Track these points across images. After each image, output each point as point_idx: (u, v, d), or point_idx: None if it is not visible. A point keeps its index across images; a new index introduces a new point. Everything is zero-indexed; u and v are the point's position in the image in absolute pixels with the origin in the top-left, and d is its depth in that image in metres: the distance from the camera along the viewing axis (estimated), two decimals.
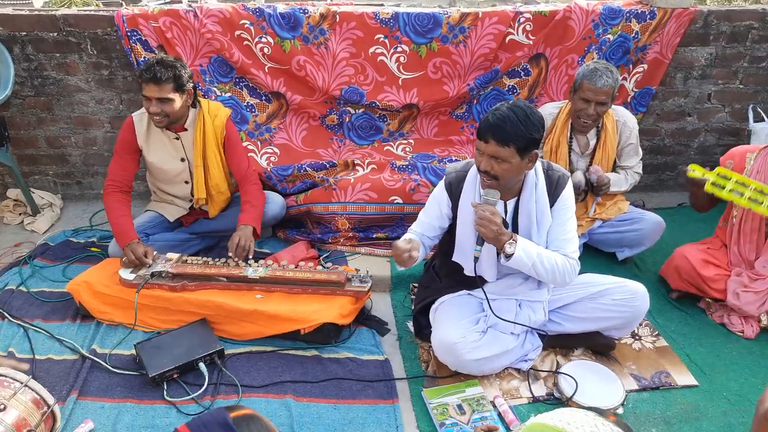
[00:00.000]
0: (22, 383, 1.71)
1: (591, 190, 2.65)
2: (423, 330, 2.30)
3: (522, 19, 2.98)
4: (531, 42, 3.02)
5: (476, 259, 1.96)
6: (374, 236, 2.87)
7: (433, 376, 2.15)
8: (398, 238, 2.80)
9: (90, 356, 2.18)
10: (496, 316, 2.06)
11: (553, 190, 2.01)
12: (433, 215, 2.13)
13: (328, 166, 2.95)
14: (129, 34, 2.87)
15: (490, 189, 1.90)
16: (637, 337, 2.36)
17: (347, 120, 3.19)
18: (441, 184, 2.13)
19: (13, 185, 3.28)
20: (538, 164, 1.99)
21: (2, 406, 1.61)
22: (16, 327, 2.35)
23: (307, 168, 2.94)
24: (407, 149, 3.18)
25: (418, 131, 3.25)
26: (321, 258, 2.75)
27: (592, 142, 2.66)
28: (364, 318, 2.44)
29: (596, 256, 2.83)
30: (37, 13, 2.95)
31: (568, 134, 2.63)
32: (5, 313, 2.39)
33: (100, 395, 2.04)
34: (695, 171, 2.33)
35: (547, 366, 2.19)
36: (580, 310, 2.16)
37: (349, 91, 3.07)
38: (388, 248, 2.82)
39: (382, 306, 2.55)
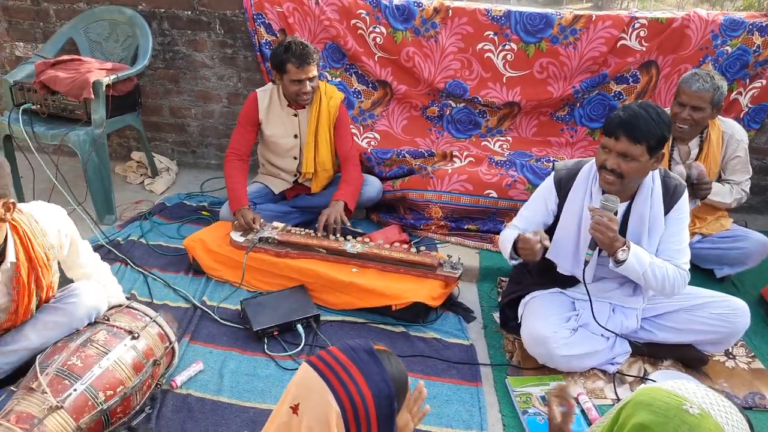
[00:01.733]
0: (151, 318, 1.93)
1: (691, 188, 2.49)
2: (509, 322, 2.35)
3: (636, 25, 2.94)
4: (643, 48, 2.98)
5: (586, 263, 1.97)
6: (465, 227, 2.94)
7: (517, 366, 2.19)
8: (489, 231, 2.91)
9: (201, 306, 2.40)
10: (595, 320, 2.06)
11: (670, 198, 2.00)
12: (538, 211, 2.15)
13: (426, 154, 3.05)
14: (255, 17, 3.08)
15: (610, 195, 1.89)
16: (731, 356, 2.29)
17: (447, 113, 3.27)
18: (549, 180, 2.14)
19: (136, 148, 3.61)
20: (656, 171, 1.98)
21: (136, 335, 1.82)
22: (137, 273, 2.60)
23: (406, 154, 3.05)
24: (504, 146, 3.22)
25: (517, 130, 3.28)
26: (412, 243, 2.85)
27: (694, 152, 2.59)
28: (451, 304, 2.52)
29: (692, 271, 2.74)
30: None
31: (670, 142, 2.58)
32: (128, 261, 2.66)
33: (209, 341, 2.24)
34: None
35: (634, 371, 2.18)
36: (675, 320, 2.14)
37: (453, 85, 3.16)
38: (478, 240, 2.89)
39: (468, 295, 2.62)
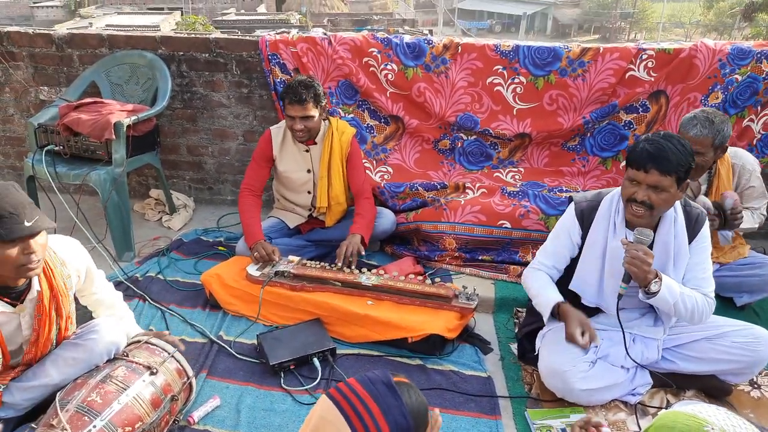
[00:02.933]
0: (169, 353, 1.94)
1: (723, 220, 2.46)
2: (527, 354, 2.33)
3: (644, 56, 2.99)
4: (652, 79, 3.01)
5: (620, 296, 1.97)
6: (480, 258, 2.94)
7: (537, 398, 2.16)
8: (504, 262, 2.91)
9: (217, 341, 2.41)
10: (627, 353, 2.05)
11: (693, 227, 2.01)
12: (565, 245, 2.15)
13: (438, 186, 3.08)
14: (270, 57, 3.18)
15: (642, 228, 1.90)
16: (756, 386, 2.24)
17: (459, 145, 3.32)
18: (570, 213, 2.15)
19: (155, 186, 3.69)
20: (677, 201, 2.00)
21: (155, 370, 1.84)
22: (155, 309, 2.63)
23: (419, 187, 3.08)
24: (516, 177, 3.25)
25: (528, 160, 3.31)
26: (427, 274, 2.86)
27: (704, 187, 2.58)
28: (468, 335, 2.51)
29: None
30: (194, 35, 3.35)
31: None
32: (146, 297, 2.69)
33: (225, 376, 2.24)
34: None
35: (656, 402, 2.14)
36: (696, 350, 2.10)
37: (464, 118, 3.21)
38: (493, 270, 2.89)
39: (485, 326, 2.61)
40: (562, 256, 2.16)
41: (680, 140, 1.87)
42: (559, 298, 2.10)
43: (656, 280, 1.90)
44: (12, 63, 3.46)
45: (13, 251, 1.59)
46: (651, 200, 1.87)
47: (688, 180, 1.89)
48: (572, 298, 2.14)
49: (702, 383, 2.17)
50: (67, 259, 1.86)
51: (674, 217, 1.99)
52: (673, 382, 2.16)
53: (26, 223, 1.58)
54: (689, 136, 2.34)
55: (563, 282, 2.17)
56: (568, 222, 2.16)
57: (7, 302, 1.71)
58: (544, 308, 2.11)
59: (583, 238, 2.11)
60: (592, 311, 2.15)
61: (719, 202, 2.42)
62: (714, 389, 2.17)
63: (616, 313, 2.00)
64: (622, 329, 2.03)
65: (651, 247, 1.98)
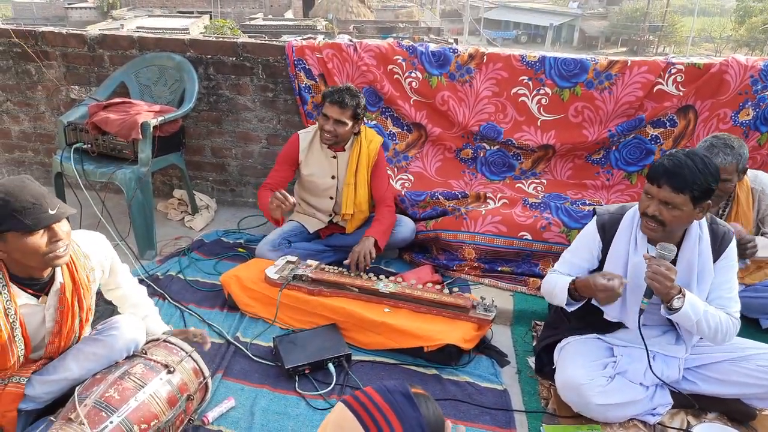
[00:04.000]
0: (187, 353, 1.96)
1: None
2: (544, 368, 2.30)
3: (673, 70, 2.94)
4: (681, 93, 2.97)
5: (642, 311, 1.94)
6: (499, 269, 2.92)
7: (553, 414, 2.13)
8: (524, 274, 2.88)
9: (234, 342, 2.42)
10: (650, 369, 2.01)
11: (718, 246, 1.97)
12: (584, 257, 2.13)
13: (459, 196, 3.07)
14: (296, 62, 3.21)
15: (665, 243, 1.87)
16: None
17: (481, 155, 3.30)
18: (592, 225, 2.12)
19: (178, 186, 3.74)
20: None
21: (172, 369, 1.85)
22: (174, 308, 2.66)
23: (439, 196, 3.07)
24: (539, 188, 3.22)
25: (551, 172, 3.28)
26: (445, 283, 2.84)
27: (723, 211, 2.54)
28: (485, 347, 2.48)
29: None
30: (222, 39, 3.40)
31: None
32: (166, 295, 2.72)
33: (241, 378, 2.25)
34: None
35: (676, 424, 2.09)
36: (719, 371, 2.05)
37: (487, 128, 3.19)
38: (512, 282, 2.86)
39: (502, 338, 2.58)
40: (580, 267, 2.14)
41: (704, 159, 1.82)
42: (571, 279, 2.05)
43: (679, 296, 1.87)
44: (45, 62, 3.55)
45: (42, 240, 1.62)
46: (662, 216, 1.85)
47: (709, 202, 1.84)
48: (593, 313, 2.10)
49: (725, 406, 2.12)
50: (91, 253, 1.90)
51: (699, 235, 1.95)
52: (695, 403, 2.11)
53: (50, 211, 1.62)
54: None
55: (585, 302, 2.14)
56: (589, 234, 2.13)
57: (31, 294, 1.75)
58: (561, 293, 2.05)
59: (604, 252, 2.09)
60: (614, 326, 2.12)
61: None
62: (737, 413, 2.11)
63: (638, 328, 1.96)
64: (645, 344, 1.99)
65: (674, 263, 1.94)
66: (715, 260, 1.97)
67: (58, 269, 1.77)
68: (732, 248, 2.01)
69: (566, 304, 2.07)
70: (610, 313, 2.07)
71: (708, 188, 1.81)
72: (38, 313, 1.78)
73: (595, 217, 2.14)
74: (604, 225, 2.09)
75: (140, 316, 2.10)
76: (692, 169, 1.79)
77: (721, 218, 2.49)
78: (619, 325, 2.10)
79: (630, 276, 2.00)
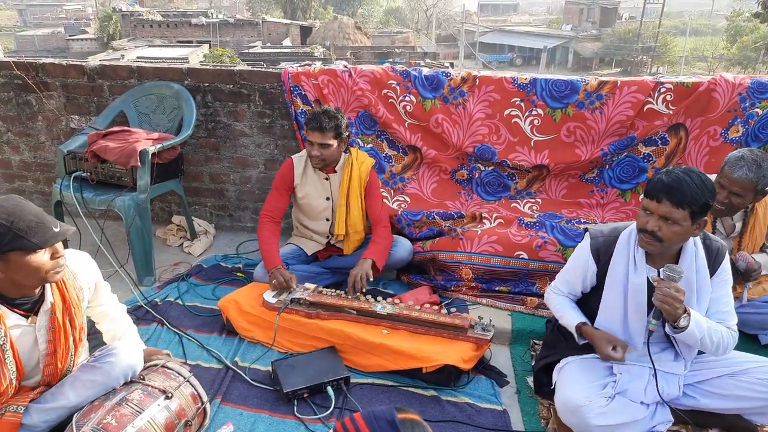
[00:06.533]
0: (185, 378, 1.96)
1: (741, 277, 2.48)
2: (543, 387, 2.29)
3: (663, 89, 2.99)
4: (671, 112, 3.01)
5: (650, 332, 1.96)
6: (497, 289, 2.92)
7: None
8: (521, 293, 2.88)
9: (233, 367, 2.42)
10: (657, 392, 2.02)
11: (713, 261, 1.99)
12: (578, 280, 2.16)
13: (455, 216, 3.09)
14: (292, 88, 3.27)
15: (673, 265, 1.89)
16: None
17: (477, 176, 3.34)
18: (586, 248, 2.13)
19: (177, 212, 3.77)
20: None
21: (170, 395, 1.85)
22: (172, 334, 2.66)
23: (436, 216, 3.10)
24: (534, 208, 3.24)
25: (546, 192, 3.31)
26: (443, 304, 2.84)
27: (738, 225, 2.55)
28: (483, 367, 2.48)
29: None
30: (219, 67, 3.46)
31: (713, 215, 2.55)
32: (165, 321, 2.72)
33: (239, 403, 2.24)
34: None
35: None
36: (718, 386, 2.05)
37: (482, 149, 3.23)
38: (509, 301, 2.87)
39: (501, 358, 2.57)
40: (576, 287, 2.18)
41: (700, 176, 1.85)
42: (581, 319, 2.12)
43: (685, 315, 1.89)
44: (46, 93, 3.61)
45: (45, 258, 1.64)
46: (661, 231, 1.86)
47: (706, 219, 1.87)
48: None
49: (725, 422, 2.11)
50: (79, 272, 1.92)
51: (695, 252, 1.97)
52: (694, 420, 2.10)
53: (55, 229, 1.64)
54: (732, 177, 2.31)
55: (586, 310, 2.16)
56: (582, 258, 2.14)
57: (20, 314, 1.75)
58: (569, 327, 2.14)
59: (599, 274, 2.10)
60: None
61: (733, 262, 2.40)
62: (738, 429, 2.09)
63: (647, 347, 1.99)
64: (653, 364, 2.00)
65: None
66: (711, 275, 1.99)
67: (47, 288, 1.78)
68: (726, 262, 2.03)
69: (577, 339, 2.13)
70: (613, 333, 2.07)
71: (705, 204, 1.83)
72: (29, 334, 1.77)
73: (587, 238, 2.14)
74: (599, 249, 2.10)
75: (120, 334, 2.10)
76: (691, 185, 1.82)
77: (741, 234, 2.53)
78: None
79: (631, 296, 2.01)
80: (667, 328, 1.94)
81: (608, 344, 2.00)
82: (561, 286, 2.23)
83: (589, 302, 2.17)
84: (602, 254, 2.08)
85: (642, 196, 1.98)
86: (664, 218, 1.85)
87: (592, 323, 2.12)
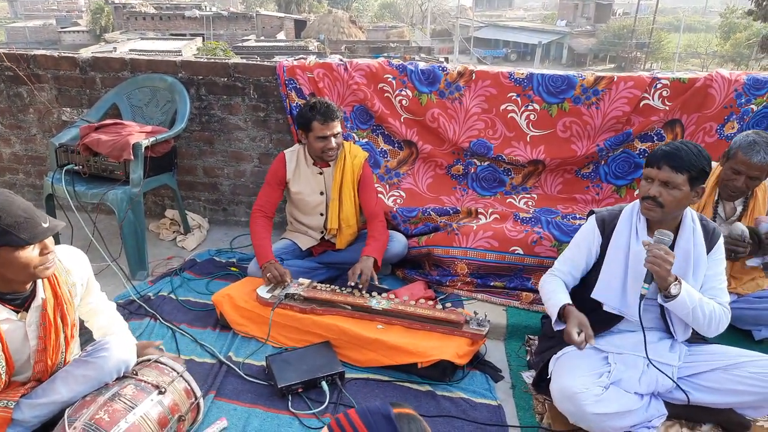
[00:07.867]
0: (178, 373, 1.94)
1: (758, 244, 2.43)
2: (540, 382, 2.29)
3: (659, 85, 2.99)
4: (667, 108, 3.01)
5: (642, 297, 1.99)
6: (492, 284, 2.92)
7: (548, 429, 2.12)
8: (516, 288, 2.88)
9: (226, 362, 2.40)
10: (646, 357, 2.03)
11: (710, 238, 2.07)
12: (583, 253, 2.20)
13: (451, 212, 3.08)
14: (287, 82, 3.24)
15: (663, 230, 1.95)
16: None
17: (472, 171, 3.32)
18: (591, 222, 2.20)
19: (170, 206, 3.74)
20: (693, 212, 2.06)
21: (163, 390, 1.84)
22: (165, 328, 2.64)
23: (431, 212, 3.09)
24: (530, 203, 3.24)
25: (542, 187, 3.30)
26: (438, 299, 2.84)
27: (739, 209, 2.57)
28: (478, 362, 2.47)
29: (730, 332, 2.64)
30: (213, 60, 3.43)
31: (715, 198, 2.56)
32: (158, 316, 2.70)
33: (233, 398, 2.23)
34: None
35: None
36: (712, 380, 2.05)
37: (477, 144, 3.22)
38: (505, 297, 2.86)
39: (496, 353, 2.57)
40: (579, 263, 2.21)
41: (697, 146, 1.95)
42: (567, 300, 2.14)
43: (676, 283, 1.94)
44: (37, 85, 3.57)
45: (33, 254, 1.62)
46: (662, 197, 1.94)
47: (704, 186, 1.95)
48: (593, 307, 2.13)
49: (719, 417, 2.11)
50: (73, 268, 1.89)
51: (693, 227, 2.05)
52: (687, 415, 2.11)
53: (44, 224, 1.62)
54: (752, 163, 2.34)
55: (585, 291, 2.18)
56: (588, 230, 2.21)
57: (11, 309, 1.73)
58: (553, 309, 2.14)
59: (603, 246, 2.15)
60: (612, 322, 2.15)
61: (754, 227, 2.43)
62: (732, 423, 2.10)
63: (639, 315, 2.01)
64: (643, 330, 2.02)
65: (672, 250, 2.01)
66: (708, 251, 2.06)
67: (39, 284, 1.76)
68: (721, 243, 2.10)
69: (554, 323, 2.14)
70: (611, 304, 2.10)
71: (703, 170, 1.92)
72: (19, 329, 1.75)
73: (592, 216, 2.21)
74: (604, 220, 2.17)
75: (111, 331, 2.08)
76: (688, 152, 1.92)
77: (740, 218, 2.56)
78: (617, 321, 2.12)
79: (631, 264, 2.07)
80: (659, 298, 1.98)
81: (576, 326, 2.02)
82: (561, 266, 2.25)
83: (588, 282, 2.19)
84: (607, 225, 2.16)
85: (638, 193, 2.01)
86: (664, 184, 1.93)
87: (589, 300, 2.14)
